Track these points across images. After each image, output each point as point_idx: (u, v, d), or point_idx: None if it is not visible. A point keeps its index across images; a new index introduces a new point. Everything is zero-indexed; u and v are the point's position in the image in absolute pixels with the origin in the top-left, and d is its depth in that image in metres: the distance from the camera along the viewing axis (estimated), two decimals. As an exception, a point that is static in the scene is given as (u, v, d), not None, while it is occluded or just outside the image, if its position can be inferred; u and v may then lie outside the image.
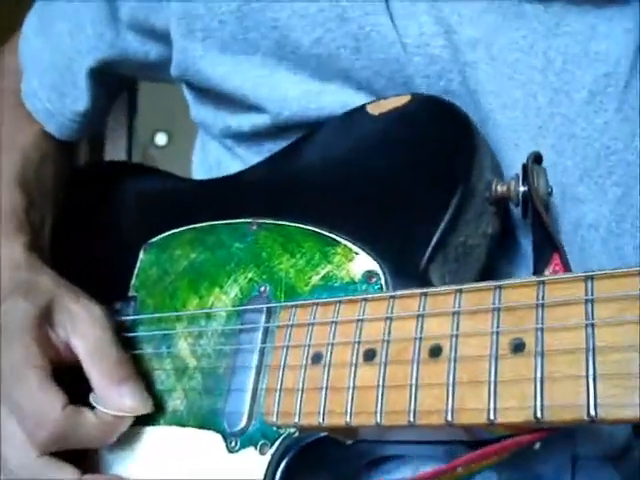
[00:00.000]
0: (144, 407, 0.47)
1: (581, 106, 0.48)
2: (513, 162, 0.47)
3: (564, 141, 0.48)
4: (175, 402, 0.47)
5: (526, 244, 0.48)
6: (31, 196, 0.59)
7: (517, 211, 0.47)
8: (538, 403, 0.33)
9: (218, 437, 0.44)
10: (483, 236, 0.45)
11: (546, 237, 0.42)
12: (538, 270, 0.43)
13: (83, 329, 0.48)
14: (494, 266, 0.48)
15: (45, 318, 0.48)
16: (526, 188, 0.44)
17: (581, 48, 0.48)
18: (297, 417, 0.41)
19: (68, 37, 0.62)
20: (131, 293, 0.55)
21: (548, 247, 0.41)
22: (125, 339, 0.52)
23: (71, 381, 0.47)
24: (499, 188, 0.45)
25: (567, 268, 0.39)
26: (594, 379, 0.32)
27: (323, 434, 0.41)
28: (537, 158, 0.45)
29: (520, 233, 0.49)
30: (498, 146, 0.48)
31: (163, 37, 0.58)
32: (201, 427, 0.45)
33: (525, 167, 0.44)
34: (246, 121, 0.57)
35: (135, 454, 0.48)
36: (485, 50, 0.48)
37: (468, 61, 0.48)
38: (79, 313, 0.49)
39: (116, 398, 0.46)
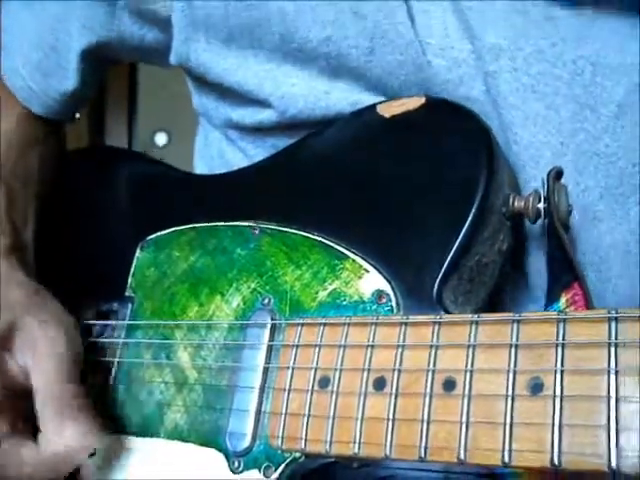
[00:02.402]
0: (86, 449, 0.44)
1: (607, 122, 0.45)
2: (531, 179, 0.45)
3: (586, 158, 0.45)
4: (175, 415, 0.46)
5: (536, 261, 0.46)
6: (12, 190, 0.56)
7: (529, 225, 0.46)
8: (556, 449, 0.32)
9: (220, 456, 0.43)
10: (498, 253, 0.44)
11: (565, 261, 0.40)
12: (553, 293, 0.41)
13: (42, 359, 0.45)
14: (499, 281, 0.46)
15: (5, 339, 0.46)
16: (545, 205, 0.42)
17: (614, 57, 0.45)
18: (303, 443, 0.39)
19: (57, 15, 0.59)
20: (128, 293, 0.53)
21: (567, 273, 0.40)
22: (122, 344, 0.51)
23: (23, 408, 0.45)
24: (516, 203, 0.43)
25: (588, 299, 0.38)
26: (616, 430, 0.31)
27: (330, 459, 0.40)
28: (558, 174, 0.43)
29: (531, 249, 0.47)
30: (517, 162, 0.46)
31: (161, 22, 0.54)
32: (203, 444, 0.44)
33: (545, 183, 0.42)
34: (250, 116, 0.54)
35: (134, 467, 0.47)
36: (508, 60, 0.45)
37: (489, 70, 0.45)
38: (40, 341, 0.46)
39: (58, 434, 0.43)
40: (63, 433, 0.44)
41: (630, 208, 0.46)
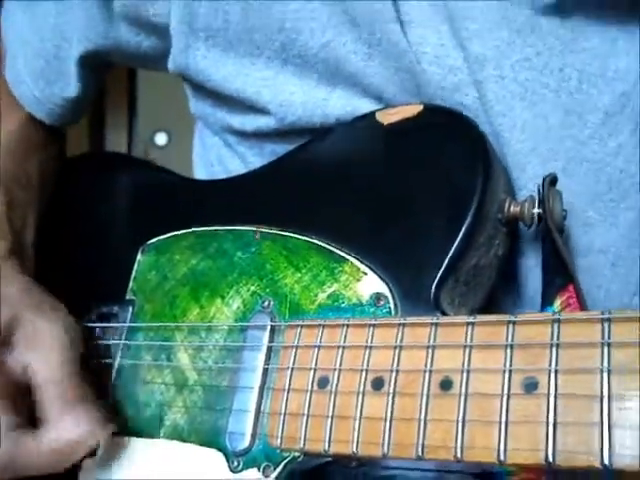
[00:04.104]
0: (92, 436, 0.44)
1: (594, 128, 0.46)
2: (520, 184, 0.46)
3: (575, 164, 0.46)
4: (175, 416, 0.47)
5: (531, 265, 0.47)
6: (12, 195, 0.57)
7: (523, 230, 0.46)
8: (550, 447, 0.33)
9: (220, 456, 0.44)
10: (494, 257, 0.45)
11: (559, 264, 0.41)
12: (548, 296, 0.42)
13: (41, 355, 0.46)
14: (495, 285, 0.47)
15: (5, 336, 0.46)
16: (541, 210, 0.43)
17: (599, 65, 0.46)
18: (302, 443, 0.40)
19: (56, 23, 0.59)
20: (129, 296, 0.54)
21: (562, 275, 0.41)
22: (122, 346, 0.52)
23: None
24: (512, 208, 0.44)
25: (582, 302, 0.39)
26: (609, 428, 0.32)
27: (328, 459, 0.41)
28: (553, 181, 0.43)
29: (524, 252, 0.48)
30: (506, 168, 0.46)
31: (157, 29, 0.55)
32: (203, 444, 0.45)
33: (540, 189, 0.43)
34: (248, 122, 0.55)
35: (133, 467, 0.47)
36: (494, 69, 0.46)
37: (478, 79, 0.46)
38: (39, 338, 0.46)
39: (62, 425, 0.44)
40: (69, 422, 0.44)
41: (619, 213, 0.46)
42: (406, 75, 0.48)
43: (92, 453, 0.46)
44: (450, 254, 0.41)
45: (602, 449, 0.32)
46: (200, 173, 0.65)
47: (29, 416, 0.45)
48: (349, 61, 0.49)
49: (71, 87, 0.61)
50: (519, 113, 0.46)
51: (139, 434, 0.47)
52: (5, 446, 0.43)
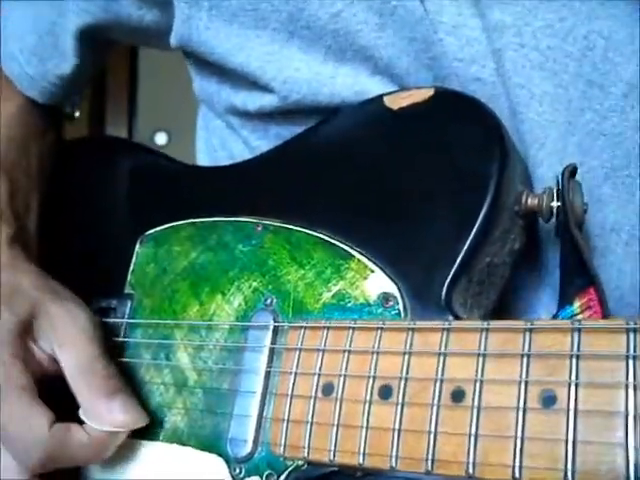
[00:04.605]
0: (136, 421, 0.44)
1: (616, 100, 0.44)
2: (537, 161, 0.44)
3: (592, 138, 0.44)
4: (175, 418, 0.45)
5: (549, 258, 0.45)
6: (14, 181, 0.55)
7: (541, 222, 0.44)
8: (569, 466, 0.31)
9: (221, 461, 0.42)
10: (509, 253, 0.42)
11: (580, 264, 0.38)
12: (566, 295, 0.40)
13: (68, 341, 0.45)
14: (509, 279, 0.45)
15: (27, 330, 0.45)
16: (560, 203, 0.40)
17: (627, 33, 0.43)
18: (306, 452, 0.38)
19: None
20: (127, 290, 0.52)
21: (582, 276, 0.38)
22: (121, 343, 0.50)
23: (60, 393, 0.45)
24: (530, 201, 0.42)
25: (604, 306, 0.36)
26: (635, 448, 0.30)
27: (333, 468, 0.39)
28: (572, 172, 0.41)
29: (544, 246, 0.45)
30: (522, 144, 0.44)
31: (161, 2, 0.52)
32: (203, 449, 0.43)
33: (560, 181, 0.40)
34: (252, 101, 0.52)
35: (131, 470, 0.46)
36: (514, 36, 0.43)
37: (496, 48, 0.43)
38: (64, 323, 0.45)
39: (106, 414, 0.43)
40: (111, 410, 0.43)
41: (636, 190, 0.44)
42: (421, 45, 0.45)
43: None
44: (464, 249, 0.39)
45: (628, 471, 0.30)
46: (203, 159, 0.63)
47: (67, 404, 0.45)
48: (360, 32, 0.46)
49: (66, 63, 0.58)
50: (538, 83, 0.44)
51: (139, 436, 0.46)
52: (55, 438, 0.42)
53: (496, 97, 0.44)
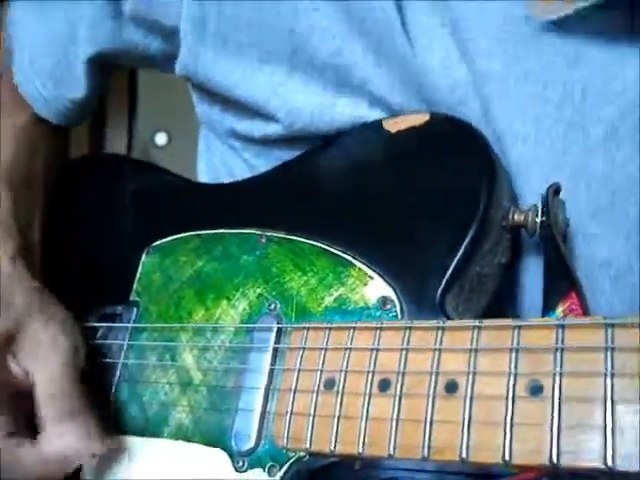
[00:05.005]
0: (88, 448, 0.45)
1: (598, 141, 0.46)
2: (523, 195, 0.47)
3: (578, 177, 0.46)
4: (180, 415, 0.47)
5: (532, 273, 0.48)
6: (18, 194, 0.57)
7: (524, 238, 0.47)
8: (554, 448, 0.34)
9: (225, 455, 0.44)
10: (497, 265, 0.46)
11: (563, 271, 0.42)
12: (550, 302, 0.43)
13: (41, 361, 0.46)
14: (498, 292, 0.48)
15: (8, 343, 0.47)
16: (544, 219, 0.44)
17: (603, 80, 0.46)
18: (308, 443, 0.41)
19: (65, 25, 0.60)
20: (133, 297, 0.54)
21: (565, 281, 0.41)
22: (126, 346, 0.52)
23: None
24: (516, 216, 0.45)
25: (584, 308, 0.39)
26: (612, 431, 0.33)
27: (333, 459, 0.41)
28: (557, 190, 0.44)
29: (527, 261, 0.48)
30: (510, 178, 0.47)
31: (167, 32, 0.56)
32: (207, 444, 0.45)
33: (544, 198, 0.44)
34: (256, 128, 0.55)
35: (137, 467, 0.48)
36: (498, 83, 0.47)
37: (482, 93, 0.47)
38: (41, 343, 0.47)
39: (54, 437, 0.45)
40: (63, 434, 0.45)
41: (622, 227, 0.46)
42: (413, 86, 0.48)
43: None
44: (456, 260, 0.42)
45: (605, 451, 0.33)
46: (204, 177, 0.66)
47: (30, 421, 0.46)
48: (358, 66, 0.49)
49: (79, 89, 0.61)
50: (522, 127, 0.47)
51: (143, 434, 0.48)
52: (5, 451, 0.44)
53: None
